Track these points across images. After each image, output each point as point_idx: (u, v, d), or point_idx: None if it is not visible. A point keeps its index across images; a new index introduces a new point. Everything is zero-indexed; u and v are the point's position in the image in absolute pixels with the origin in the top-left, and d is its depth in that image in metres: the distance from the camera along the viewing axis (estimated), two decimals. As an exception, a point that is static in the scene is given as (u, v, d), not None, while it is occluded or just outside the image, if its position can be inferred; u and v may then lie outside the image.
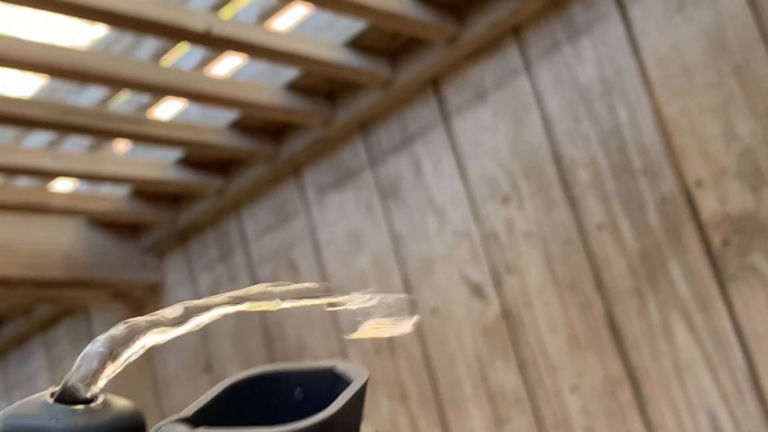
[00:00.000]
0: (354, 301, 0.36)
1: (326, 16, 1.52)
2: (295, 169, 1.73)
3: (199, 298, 0.37)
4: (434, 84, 1.55)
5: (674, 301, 1.29)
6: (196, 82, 1.50)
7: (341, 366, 0.35)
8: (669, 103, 1.32)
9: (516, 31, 1.47)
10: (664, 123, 1.32)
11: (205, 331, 1.83)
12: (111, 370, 0.32)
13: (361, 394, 0.34)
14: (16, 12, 1.25)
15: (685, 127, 1.30)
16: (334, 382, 0.35)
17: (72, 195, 1.79)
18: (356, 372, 0.35)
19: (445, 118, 1.54)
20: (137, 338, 0.32)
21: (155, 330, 0.33)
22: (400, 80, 1.55)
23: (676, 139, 1.31)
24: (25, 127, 1.70)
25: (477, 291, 1.48)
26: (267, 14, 1.53)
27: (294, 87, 1.60)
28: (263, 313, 1.75)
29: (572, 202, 1.39)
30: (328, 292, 0.36)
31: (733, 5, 1.27)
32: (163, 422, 0.33)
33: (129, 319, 0.33)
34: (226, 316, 0.35)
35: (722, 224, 1.26)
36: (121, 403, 0.33)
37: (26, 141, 1.93)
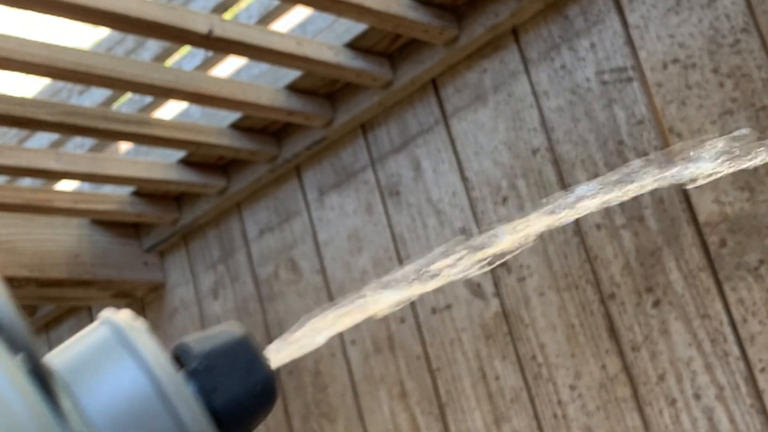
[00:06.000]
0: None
1: (327, 18, 1.53)
2: (296, 169, 1.74)
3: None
4: (434, 85, 1.56)
5: (672, 300, 1.30)
6: (198, 83, 1.51)
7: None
8: (667, 104, 1.32)
9: (515, 33, 1.48)
10: (662, 124, 1.33)
11: (207, 331, 1.84)
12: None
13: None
14: (20, 14, 1.26)
15: (683, 128, 1.31)
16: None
17: (75, 195, 1.80)
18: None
19: (445, 118, 1.55)
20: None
21: None
22: (400, 81, 1.56)
23: (674, 139, 1.32)
24: (29, 128, 1.71)
25: (477, 290, 1.49)
26: (268, 16, 1.54)
27: (295, 88, 1.61)
28: (264, 312, 1.76)
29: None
30: None
31: (731, 6, 1.28)
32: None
33: None
34: None
35: (719, 225, 1.27)
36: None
37: (29, 142, 1.94)
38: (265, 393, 0.34)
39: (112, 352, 0.31)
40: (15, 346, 0.27)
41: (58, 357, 0.31)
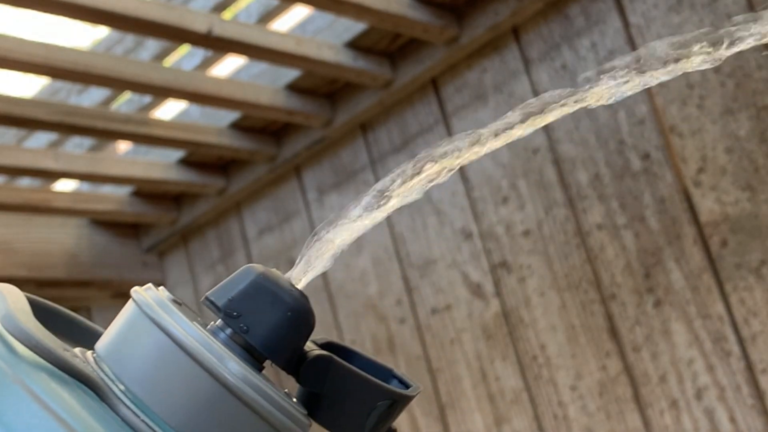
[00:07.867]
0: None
1: (327, 18, 1.52)
2: (296, 169, 1.74)
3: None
4: (434, 84, 1.56)
5: (673, 300, 1.30)
6: (197, 82, 1.51)
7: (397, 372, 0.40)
8: (668, 103, 1.32)
9: (515, 32, 1.47)
10: (663, 124, 1.33)
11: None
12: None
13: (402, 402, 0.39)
14: (19, 13, 1.25)
15: (684, 128, 1.31)
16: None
17: (74, 195, 1.80)
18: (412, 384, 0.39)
19: (445, 118, 1.55)
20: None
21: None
22: (400, 81, 1.56)
23: (674, 139, 1.31)
24: (28, 128, 1.71)
25: (477, 291, 1.49)
26: (268, 15, 1.54)
27: (295, 88, 1.61)
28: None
29: (571, 202, 1.40)
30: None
31: (732, 5, 1.27)
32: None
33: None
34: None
35: (721, 225, 1.27)
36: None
37: (28, 141, 1.93)
38: (296, 317, 0.37)
39: (137, 325, 0.36)
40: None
41: (101, 342, 0.37)
